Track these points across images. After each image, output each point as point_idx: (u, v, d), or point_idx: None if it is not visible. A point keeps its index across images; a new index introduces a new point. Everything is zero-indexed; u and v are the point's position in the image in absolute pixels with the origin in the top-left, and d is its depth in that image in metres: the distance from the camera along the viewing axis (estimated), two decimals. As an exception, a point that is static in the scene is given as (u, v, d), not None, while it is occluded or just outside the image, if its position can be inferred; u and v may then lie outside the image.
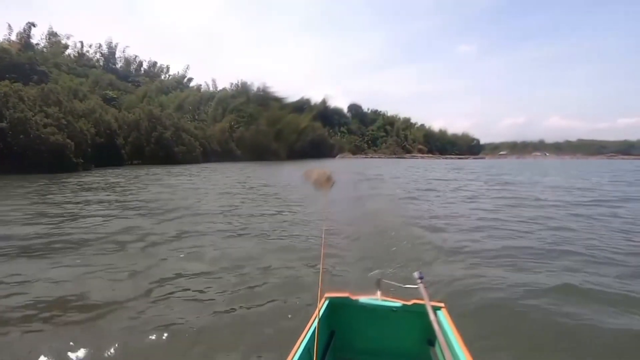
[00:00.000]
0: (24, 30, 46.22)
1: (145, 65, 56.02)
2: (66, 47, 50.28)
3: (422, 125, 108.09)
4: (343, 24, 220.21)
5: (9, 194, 13.21)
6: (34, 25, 46.78)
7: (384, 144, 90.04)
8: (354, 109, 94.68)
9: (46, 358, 2.69)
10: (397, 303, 2.25)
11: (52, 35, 49.52)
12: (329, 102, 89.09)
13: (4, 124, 24.34)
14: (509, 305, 3.57)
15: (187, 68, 58.12)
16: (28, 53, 45.57)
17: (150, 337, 2.97)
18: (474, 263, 4.95)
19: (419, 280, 2.23)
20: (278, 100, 65.27)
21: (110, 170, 27.86)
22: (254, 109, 56.48)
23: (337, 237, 6.68)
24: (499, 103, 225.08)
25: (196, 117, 50.67)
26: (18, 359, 2.76)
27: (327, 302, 2.29)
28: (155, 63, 57.17)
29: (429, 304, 1.99)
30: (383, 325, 2.33)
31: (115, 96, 48.06)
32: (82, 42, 51.39)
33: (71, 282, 4.19)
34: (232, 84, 63.62)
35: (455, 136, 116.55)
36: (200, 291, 3.97)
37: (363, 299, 2.31)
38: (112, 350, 2.79)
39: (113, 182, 18.29)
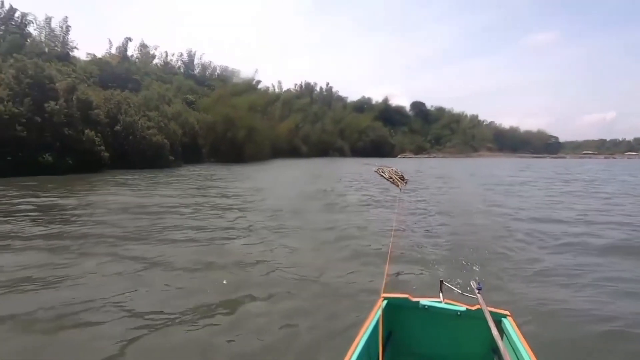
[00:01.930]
0: (122, 44, 53.63)
1: (218, 70, 61.58)
2: (154, 57, 57.33)
3: (492, 122, 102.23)
4: (406, 20, 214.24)
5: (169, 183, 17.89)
6: (130, 40, 54.06)
7: (448, 142, 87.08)
8: (417, 107, 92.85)
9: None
10: (461, 307, 2.20)
11: (142, 47, 56.70)
12: (390, 101, 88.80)
13: (118, 127, 29.21)
14: (589, 322, 3.42)
15: (255, 71, 63.03)
16: (125, 64, 52.93)
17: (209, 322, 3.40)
18: (550, 274, 4.71)
19: (476, 291, 2.23)
20: (340, 99, 67.28)
21: (200, 166, 31.94)
22: (318, 108, 59.19)
23: (406, 234, 6.87)
24: (580, 97, 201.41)
25: (264, 117, 54.44)
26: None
27: (385, 302, 2.27)
28: (227, 67, 62.55)
29: (486, 310, 2.00)
30: (444, 330, 2.27)
31: (194, 100, 53.32)
32: (166, 52, 58.31)
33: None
34: (295, 84, 67.25)
35: (528, 133, 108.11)
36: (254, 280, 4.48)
37: (424, 300, 2.28)
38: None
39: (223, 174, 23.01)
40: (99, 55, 53.46)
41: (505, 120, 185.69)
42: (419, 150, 79.29)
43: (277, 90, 63.88)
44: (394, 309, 2.30)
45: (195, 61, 59.60)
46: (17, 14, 46.00)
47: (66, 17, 48.25)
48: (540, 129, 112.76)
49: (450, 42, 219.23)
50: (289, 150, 52.23)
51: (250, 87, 62.04)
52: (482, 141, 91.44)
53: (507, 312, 2.15)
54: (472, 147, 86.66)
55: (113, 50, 55.91)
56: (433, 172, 29.00)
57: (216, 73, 60.79)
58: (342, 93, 74.25)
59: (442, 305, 2.24)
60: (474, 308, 2.17)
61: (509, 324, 2.07)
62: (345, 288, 4.27)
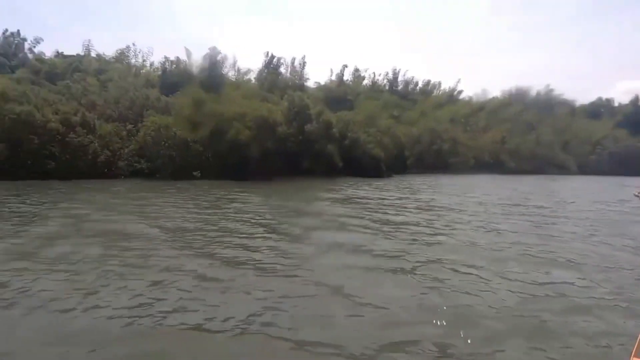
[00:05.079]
0: (340, 71, 65.01)
1: (420, 84, 65.09)
2: (364, 78, 66.54)
3: None
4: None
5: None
6: (346, 67, 64.95)
7: None
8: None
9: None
10: None
11: (355, 71, 66.77)
12: (643, 101, 67.96)
13: (346, 142, 36.53)
14: None
15: (458, 81, 62.92)
16: (342, 87, 63.92)
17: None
18: None
19: None
20: (565, 104, 57.58)
21: (411, 176, 35.83)
22: (532, 116, 53.07)
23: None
24: None
25: (467, 128, 53.48)
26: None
27: None
28: (429, 81, 65.22)
29: None
30: None
31: (397, 114, 58.27)
32: (374, 73, 66.62)
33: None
34: (503, 91, 62.51)
35: None
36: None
37: None
38: None
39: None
40: (322, 82, 67.03)
41: None
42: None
43: (480, 99, 61.47)
44: None
45: (399, 78, 65.33)
46: (274, 59, 64.41)
47: (304, 55, 63.26)
48: None
49: None
50: (493, 164, 49.14)
51: (451, 98, 62.29)
52: None
53: None
54: None
55: (333, 78, 68.67)
56: None
57: (418, 87, 64.48)
58: (569, 96, 62.73)
59: None
60: None
61: None
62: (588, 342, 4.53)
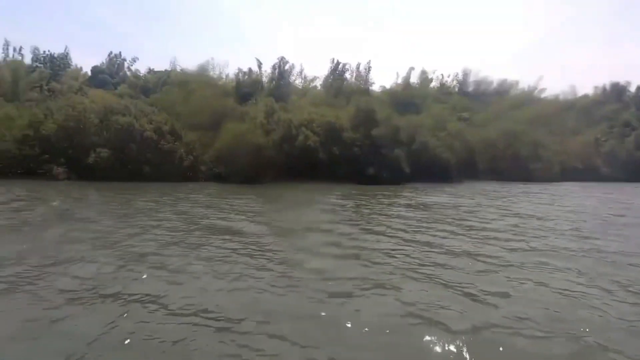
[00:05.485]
0: (407, 74, 64.40)
1: (494, 84, 61.85)
2: (431, 80, 65.09)
3: None
4: None
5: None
6: (413, 69, 64.18)
7: None
8: None
9: None
10: None
11: (422, 73, 65.61)
12: None
13: (414, 147, 36.34)
14: None
15: (539, 79, 58.50)
16: (408, 90, 63.19)
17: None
18: None
19: None
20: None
21: (483, 182, 34.41)
22: (631, 115, 47.35)
23: None
24: None
25: (551, 130, 49.55)
26: None
27: None
28: (505, 80, 61.72)
29: None
30: None
31: (468, 117, 56.02)
32: (442, 74, 64.89)
33: None
34: (596, 87, 56.61)
35: None
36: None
37: None
38: None
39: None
40: (387, 86, 66.92)
41: None
42: None
43: (568, 97, 56.46)
44: None
45: (471, 79, 62.93)
46: (340, 66, 65.98)
47: (369, 60, 63.96)
48: None
49: None
50: (584, 170, 44.88)
51: (531, 97, 58.12)
52: None
53: None
54: None
55: (399, 81, 68.22)
56: None
57: (492, 87, 61.43)
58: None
59: None
60: None
61: None
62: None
